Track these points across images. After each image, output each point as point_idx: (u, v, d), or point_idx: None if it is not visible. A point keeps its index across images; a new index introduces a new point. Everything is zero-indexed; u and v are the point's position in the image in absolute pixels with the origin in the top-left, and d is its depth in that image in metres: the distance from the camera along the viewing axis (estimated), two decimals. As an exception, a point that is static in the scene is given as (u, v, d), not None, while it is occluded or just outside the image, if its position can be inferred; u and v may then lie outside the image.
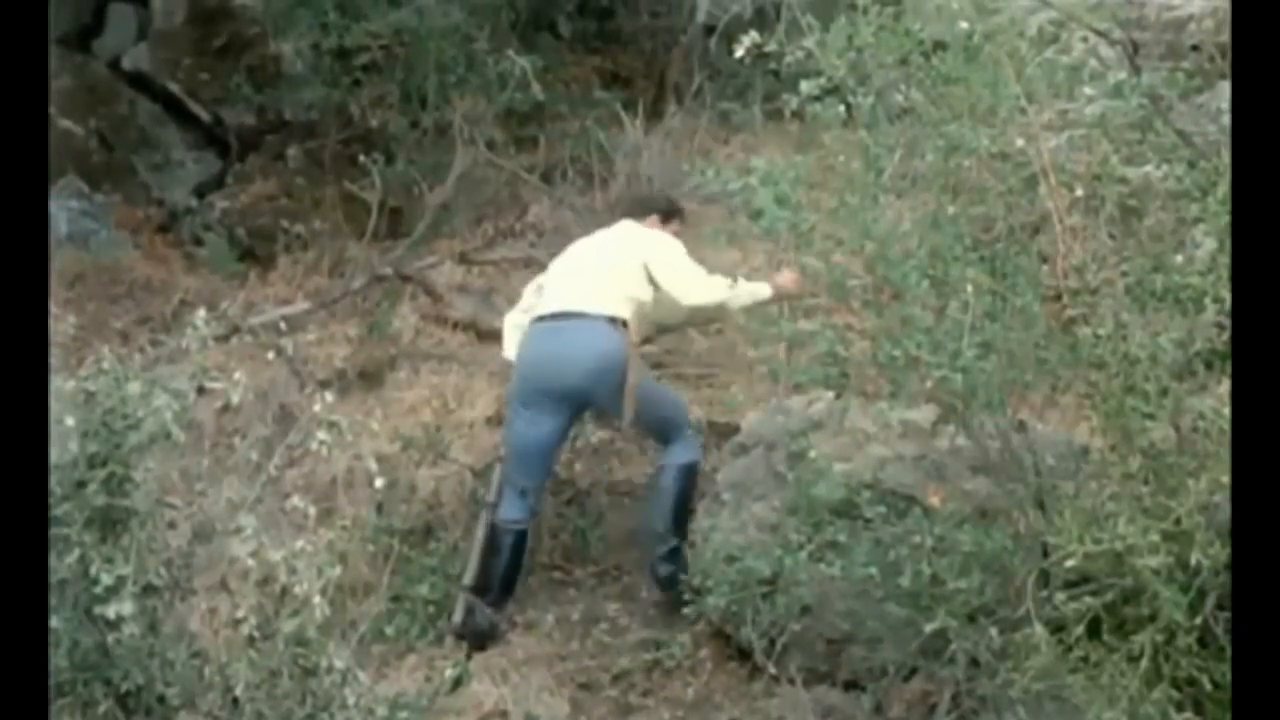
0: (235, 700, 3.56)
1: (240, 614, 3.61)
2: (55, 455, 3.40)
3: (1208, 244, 3.93)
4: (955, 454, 4.45)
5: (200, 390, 3.72)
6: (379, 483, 5.31)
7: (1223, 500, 3.66)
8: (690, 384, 6.47)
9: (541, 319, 5.60)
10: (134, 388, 3.52)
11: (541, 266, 6.42)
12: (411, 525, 5.79)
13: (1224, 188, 3.85)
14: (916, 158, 4.41)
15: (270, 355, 6.13)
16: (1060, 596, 3.72)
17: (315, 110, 8.32)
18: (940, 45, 4.32)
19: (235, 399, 3.81)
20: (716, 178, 4.67)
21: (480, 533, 5.55)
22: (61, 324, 4.85)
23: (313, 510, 3.82)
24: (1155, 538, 3.56)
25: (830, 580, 4.40)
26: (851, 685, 4.83)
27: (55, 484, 3.41)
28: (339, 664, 3.62)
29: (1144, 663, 3.65)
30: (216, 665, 3.60)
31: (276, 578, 3.59)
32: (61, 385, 3.49)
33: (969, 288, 3.97)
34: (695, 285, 5.58)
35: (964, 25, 4.25)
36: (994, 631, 3.93)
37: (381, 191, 7.62)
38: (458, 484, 5.92)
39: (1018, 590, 3.85)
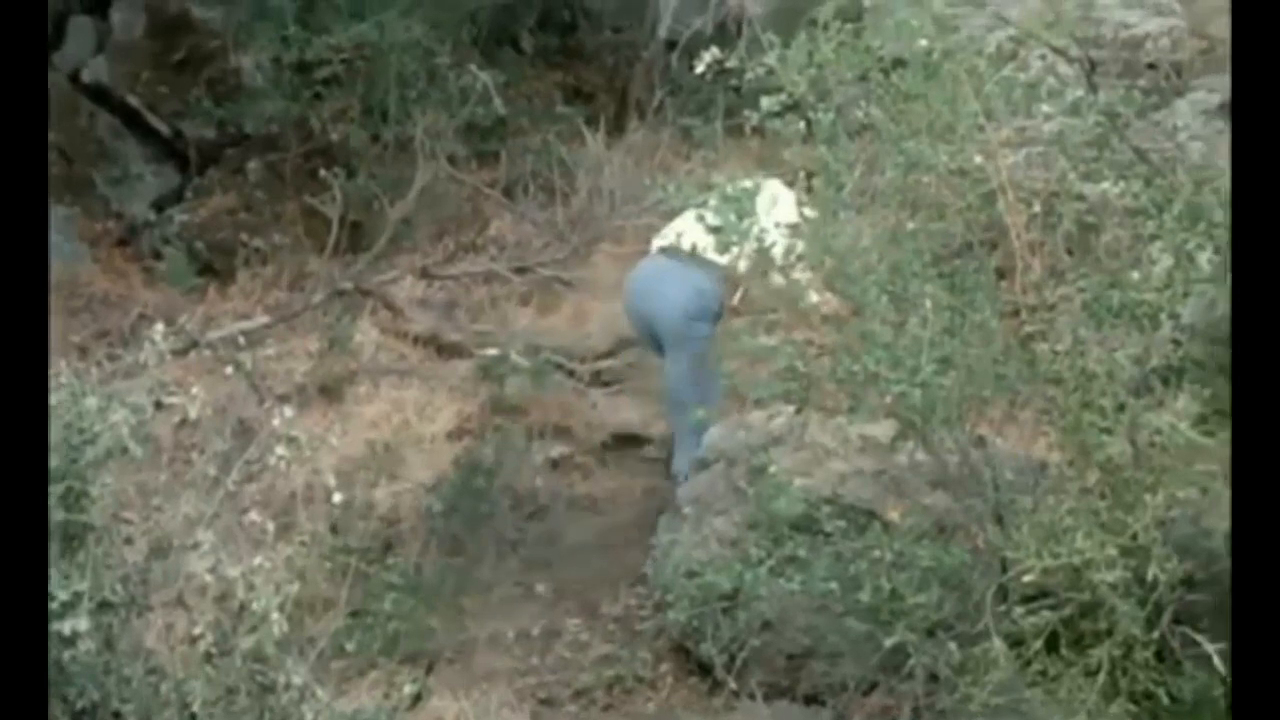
0: (193, 717, 3.53)
1: (197, 630, 3.57)
2: (12, 470, 3.37)
3: (1164, 260, 3.96)
4: (914, 469, 4.46)
5: (158, 405, 3.69)
6: (338, 498, 5.29)
7: (1179, 515, 3.69)
8: (652, 399, 6.48)
9: None
10: (91, 402, 3.50)
11: (503, 281, 6.43)
12: (370, 541, 5.77)
13: (1179, 204, 3.89)
14: (876, 174, 4.43)
15: (229, 370, 6.11)
16: (1019, 611, 3.73)
17: (275, 124, 8.30)
18: (900, 62, 4.34)
19: (193, 414, 3.78)
20: (678, 193, 4.67)
21: None
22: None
23: (271, 526, 3.79)
24: (1112, 552, 3.58)
25: (790, 595, 4.40)
26: (812, 700, 4.83)
27: (11, 498, 3.37)
28: (297, 680, 3.59)
29: (1101, 676, 3.67)
30: (173, 682, 3.57)
31: (234, 594, 3.56)
32: (19, 399, 3.46)
33: (928, 303, 3.99)
34: None
35: (923, 43, 4.27)
36: (953, 646, 3.94)
37: (342, 206, 7.60)
38: (417, 499, 5.90)
39: (976, 605, 3.86)
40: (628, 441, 6.43)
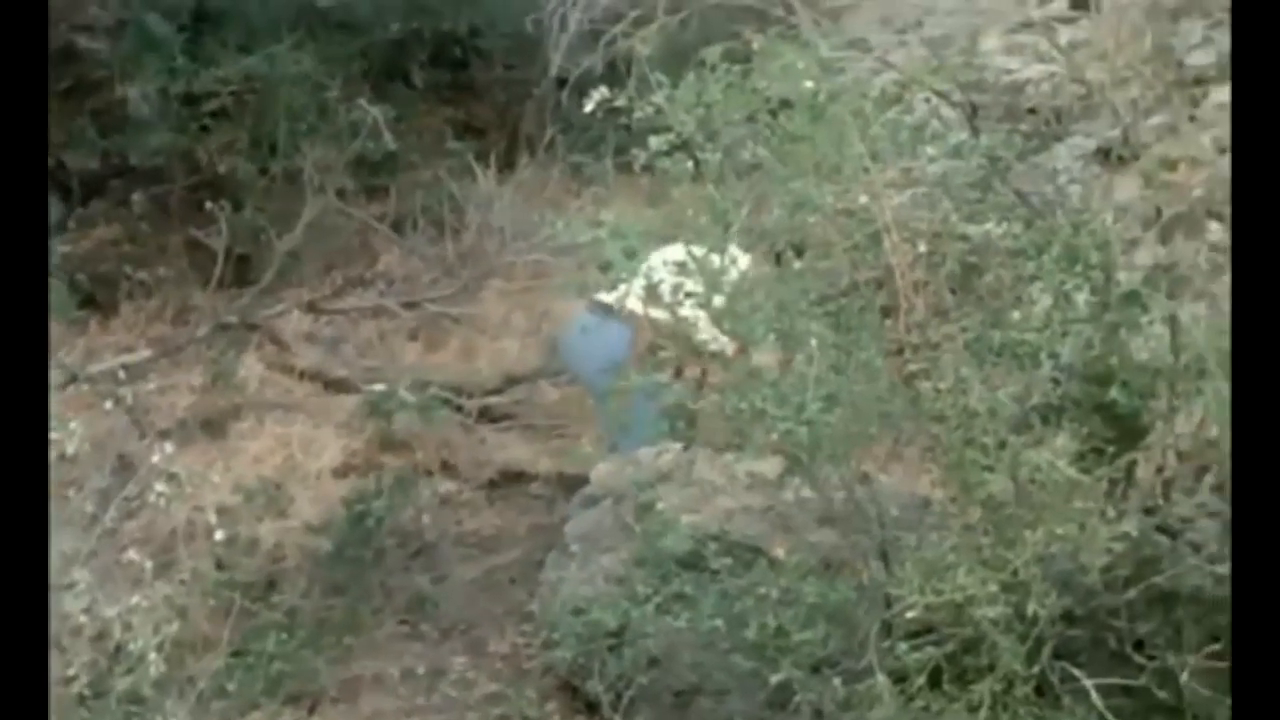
0: (66, 761, 3.45)
1: (72, 671, 3.50)
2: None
3: (1043, 301, 4.03)
4: (801, 506, 4.49)
5: (35, 440, 3.61)
6: (220, 535, 5.21)
7: (1058, 551, 3.74)
8: (540, 435, 6.47)
9: None
10: (-35, 437, 3.41)
11: (391, 316, 6.39)
12: (254, 578, 5.68)
13: (1058, 246, 3.97)
14: (763, 213, 4.47)
15: (109, 404, 5.99)
16: (902, 647, 3.76)
17: (161, 155, 8.19)
18: (786, 104, 4.39)
19: (71, 449, 3.72)
20: (567, 230, 4.68)
21: None
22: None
23: (150, 564, 3.73)
24: (994, 588, 3.62)
25: (677, 632, 4.40)
26: (699, 737, 4.83)
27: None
28: (176, 722, 3.53)
29: (983, 712, 3.71)
30: (47, 725, 3.48)
31: (111, 634, 3.50)
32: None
33: (813, 342, 4.02)
34: None
35: (809, 85, 4.32)
36: (838, 682, 3.96)
37: (228, 238, 7.51)
38: (302, 536, 5.83)
39: (861, 641, 3.89)
40: (515, 478, 6.41)
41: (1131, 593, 3.78)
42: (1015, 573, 3.65)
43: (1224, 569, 3.65)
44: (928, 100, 5.77)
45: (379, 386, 6.72)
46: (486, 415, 6.80)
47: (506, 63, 9.15)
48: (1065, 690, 3.74)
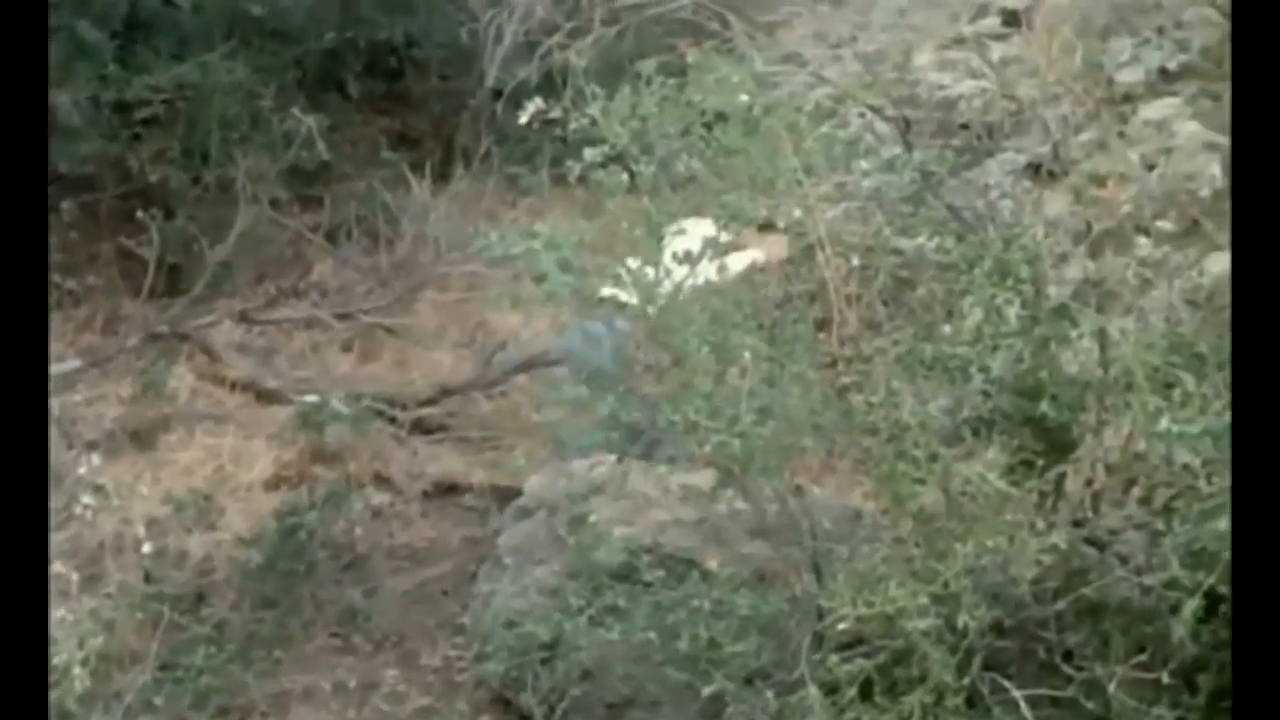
0: (-12, 777, 3.39)
1: (-6, 686, 3.44)
2: None
3: (974, 315, 4.06)
4: (734, 518, 4.50)
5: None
6: (148, 548, 5.15)
7: (988, 563, 3.77)
8: (474, 447, 6.45)
9: None
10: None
11: (325, 326, 6.34)
12: (183, 591, 5.62)
13: (989, 261, 4.00)
14: (698, 226, 4.48)
15: (36, 415, 5.90)
16: (834, 659, 3.76)
17: (92, 163, 8.10)
18: (721, 117, 4.40)
19: (-5, 460, 3.65)
20: (501, 241, 4.67)
21: None
22: None
23: (76, 577, 3.68)
24: (924, 600, 3.64)
25: (610, 645, 4.39)
26: (632, 749, 4.82)
27: None
28: (101, 736, 3.48)
29: (914, 723, 3.72)
30: (-32, 741, 3.43)
31: (35, 647, 3.44)
32: None
33: (746, 355, 4.03)
34: None
35: (744, 99, 4.34)
36: (770, 694, 3.96)
37: (159, 248, 7.44)
38: (232, 549, 5.77)
39: (793, 653, 3.89)
40: (448, 490, 6.39)
41: (1060, 604, 3.81)
42: (946, 585, 3.66)
43: (1151, 580, 3.69)
44: (862, 115, 5.83)
45: (311, 398, 6.68)
46: (420, 427, 6.77)
47: (442, 73, 9.13)
48: (995, 701, 3.76)
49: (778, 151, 4.33)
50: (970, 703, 3.77)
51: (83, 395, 6.74)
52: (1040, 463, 3.89)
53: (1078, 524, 3.94)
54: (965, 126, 6.49)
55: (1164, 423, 3.63)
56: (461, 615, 5.50)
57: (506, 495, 5.82)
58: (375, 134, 8.91)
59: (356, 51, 8.93)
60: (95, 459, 3.71)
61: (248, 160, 7.84)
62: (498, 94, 8.51)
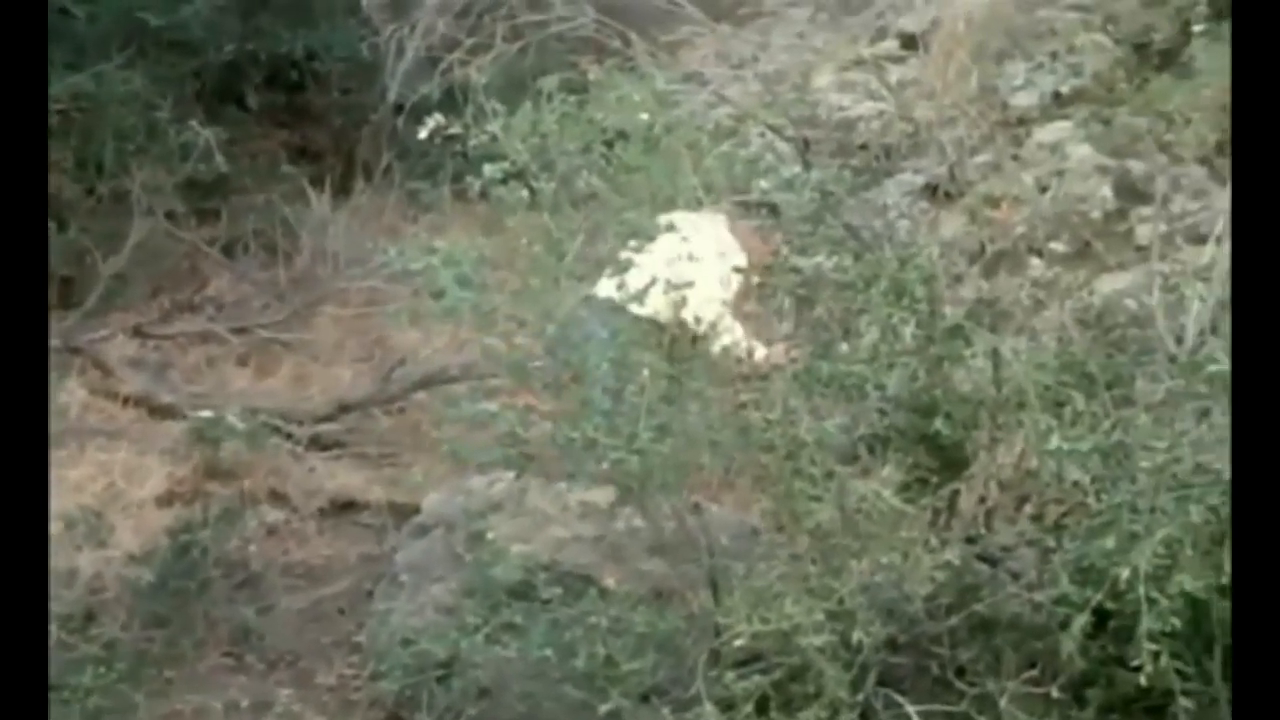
0: None
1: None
2: None
3: (871, 333, 4.10)
4: (632, 535, 4.50)
5: None
6: (36, 565, 5.03)
7: (883, 580, 3.80)
8: (372, 463, 6.39)
9: None
10: None
11: (220, 341, 6.27)
12: (72, 610, 5.51)
13: (885, 280, 4.04)
14: (598, 243, 4.49)
15: (-79, 429, 5.78)
16: (730, 675, 3.78)
17: (-18, 173, 7.94)
18: (622, 135, 4.43)
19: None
20: (401, 257, 4.64)
21: None
22: None
23: (-41, 595, 3.59)
24: (820, 617, 3.66)
25: (507, 662, 4.37)
26: (528, 767, 4.80)
27: None
28: (-17, 760, 3.40)
29: (809, 739, 3.74)
30: None
31: (-84, 667, 3.35)
32: None
33: (645, 371, 4.04)
34: None
35: (645, 117, 4.37)
36: (666, 711, 3.96)
37: (52, 260, 7.30)
38: (123, 567, 5.68)
39: (690, 670, 3.90)
40: (345, 507, 6.33)
41: (953, 620, 3.85)
42: (841, 601, 3.70)
43: (1041, 596, 3.75)
44: (762, 134, 5.88)
45: (206, 413, 6.59)
46: (317, 443, 6.71)
47: (343, 87, 9.06)
48: (889, 717, 3.79)
49: (678, 169, 4.36)
50: (864, 718, 3.80)
51: (-30, 409, 6.60)
52: (934, 480, 3.94)
53: (971, 541, 3.99)
54: (864, 147, 6.57)
55: (1055, 440, 3.70)
56: (357, 633, 5.45)
57: (404, 512, 5.78)
58: (275, 147, 8.83)
59: (256, 64, 8.84)
60: (-20, 475, 3.62)
61: (143, 172, 7.74)
62: (399, 109, 8.47)
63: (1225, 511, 3.56)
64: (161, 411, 6.81)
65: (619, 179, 4.41)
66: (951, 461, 4.00)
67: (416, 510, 5.59)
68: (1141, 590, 3.38)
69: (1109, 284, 5.29)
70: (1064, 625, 3.56)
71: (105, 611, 5.58)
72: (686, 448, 4.11)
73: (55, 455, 6.29)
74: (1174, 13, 6.78)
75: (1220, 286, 4.40)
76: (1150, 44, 6.81)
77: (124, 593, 5.61)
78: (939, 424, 3.96)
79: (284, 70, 8.99)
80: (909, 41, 7.17)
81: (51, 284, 7.32)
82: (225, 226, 8.07)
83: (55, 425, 6.48)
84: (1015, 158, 6.28)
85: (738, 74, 6.81)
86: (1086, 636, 3.55)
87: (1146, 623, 3.36)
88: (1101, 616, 3.56)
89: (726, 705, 3.78)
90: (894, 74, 6.91)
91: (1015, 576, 3.92)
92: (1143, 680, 3.39)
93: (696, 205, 4.34)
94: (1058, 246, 5.77)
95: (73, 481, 6.17)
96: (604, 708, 4.00)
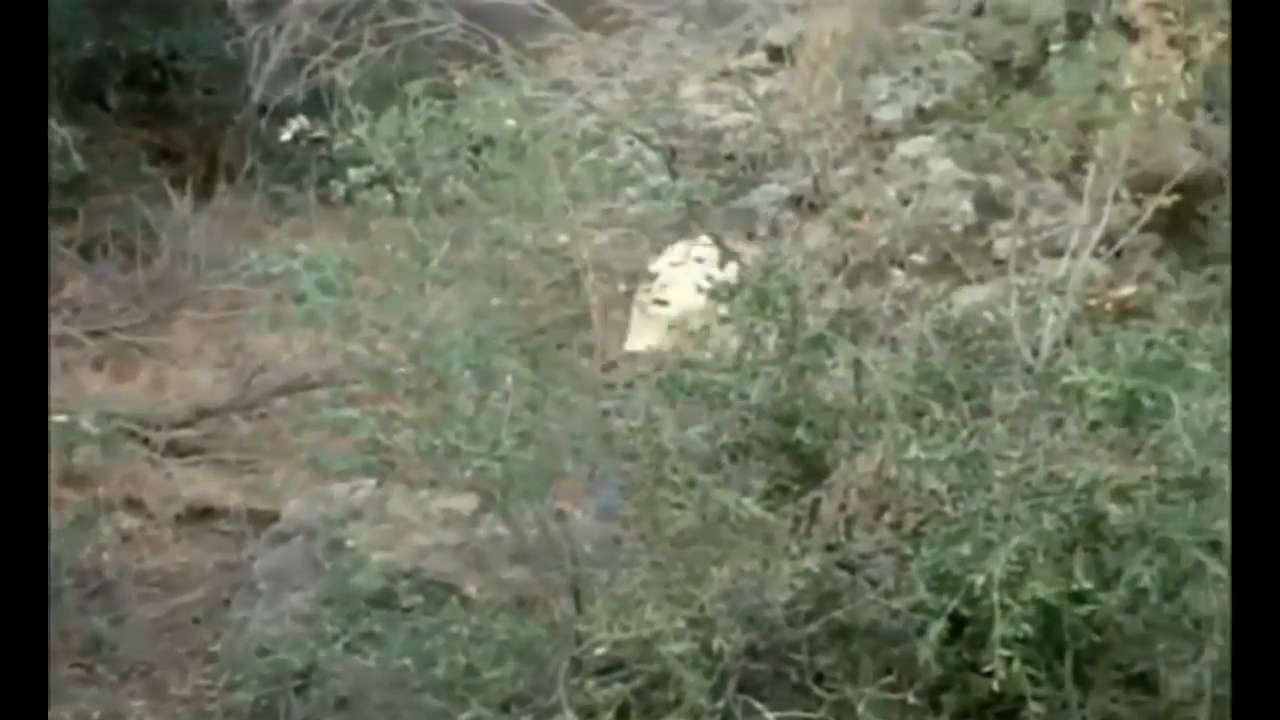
0: None
1: None
2: None
3: (733, 343, 4.13)
4: (495, 542, 4.48)
5: None
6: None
7: (744, 587, 3.83)
8: (230, 470, 6.30)
9: None
10: None
11: (76, 344, 6.13)
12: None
13: (749, 290, 4.07)
14: (464, 249, 4.46)
15: None
16: (591, 683, 3.78)
17: None
18: (489, 141, 4.40)
19: None
20: (263, 260, 4.58)
21: None
22: None
23: None
24: (680, 624, 3.67)
25: (366, 672, 4.32)
26: (386, 778, 4.75)
27: None
28: None
29: (670, 747, 3.75)
30: None
31: None
32: None
33: (509, 378, 4.03)
34: None
35: (512, 123, 4.35)
36: (527, 720, 3.96)
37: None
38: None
39: (551, 678, 3.89)
40: (203, 514, 6.23)
41: (813, 627, 3.89)
42: (702, 608, 3.71)
43: (899, 603, 3.80)
44: (630, 143, 5.89)
45: (60, 418, 6.42)
46: (174, 449, 6.59)
47: (207, 87, 8.92)
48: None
49: (545, 177, 4.35)
50: (725, 724, 3.82)
51: None
52: (796, 488, 3.98)
53: (831, 548, 4.02)
54: (730, 158, 6.61)
55: (913, 449, 3.75)
56: (213, 643, 5.37)
57: (263, 519, 5.71)
58: (135, 147, 8.67)
59: (117, 62, 8.67)
60: None
61: (-3, 170, 7.53)
62: (263, 110, 8.34)
63: (1077, 519, 3.65)
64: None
65: (485, 185, 4.39)
66: (813, 470, 4.04)
67: (276, 517, 5.52)
68: (995, 597, 3.44)
69: (968, 296, 5.36)
70: (920, 632, 3.61)
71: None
72: (550, 455, 4.10)
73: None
74: (1033, 31, 6.93)
75: (1074, 299, 4.50)
76: (1010, 61, 6.96)
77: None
78: (801, 433, 4.00)
79: (146, 69, 8.83)
80: (776, 54, 7.23)
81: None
82: (83, 227, 7.90)
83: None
84: (878, 171, 6.36)
85: (606, 82, 6.81)
86: (942, 643, 3.60)
87: (999, 629, 3.42)
88: (957, 623, 3.61)
89: (588, 713, 3.78)
90: (761, 86, 6.96)
91: (874, 584, 3.97)
92: (995, 686, 3.44)
93: (564, 213, 4.33)
94: (918, 259, 5.85)
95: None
96: (464, 717, 3.98)
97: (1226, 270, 5.67)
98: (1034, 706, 3.48)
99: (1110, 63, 4.97)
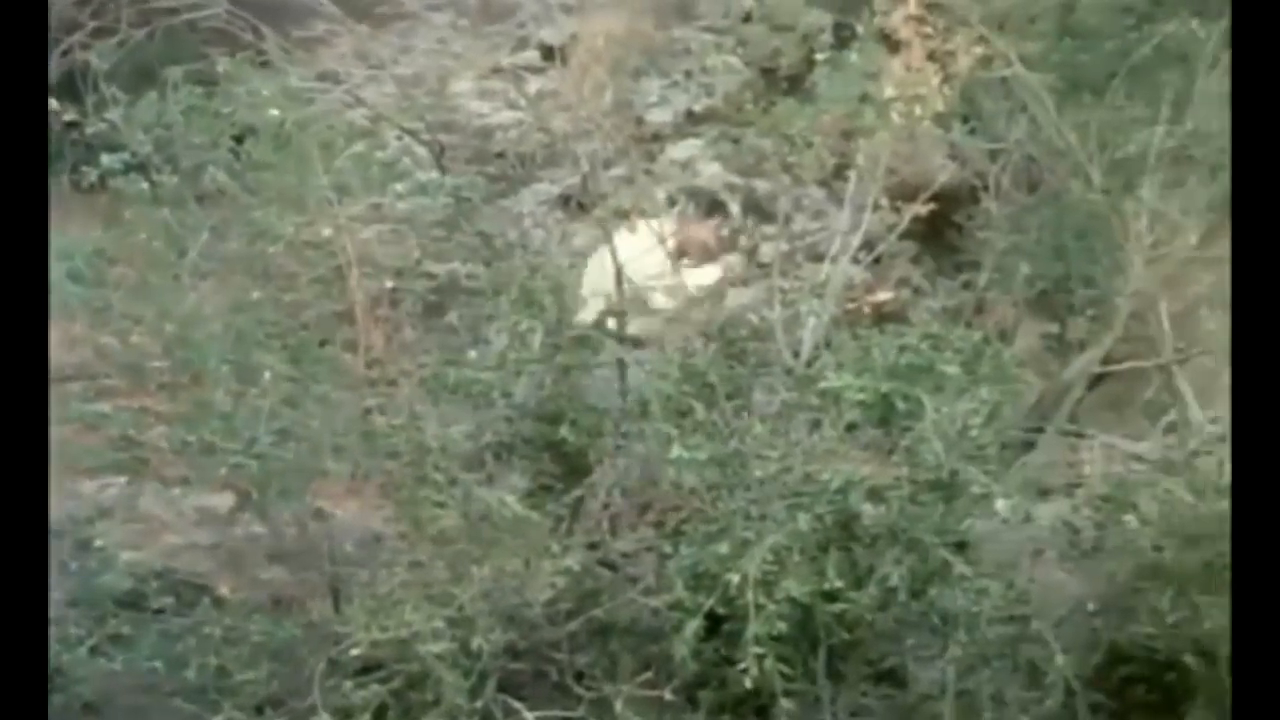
0: None
1: None
2: None
3: (499, 341, 4.12)
4: (252, 542, 4.39)
5: None
6: None
7: (505, 587, 3.82)
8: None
9: None
10: None
11: None
12: None
13: (516, 288, 4.07)
14: (224, 241, 4.36)
15: None
16: (348, 685, 3.72)
17: None
18: (252, 130, 4.30)
19: None
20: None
21: None
22: None
23: None
24: (440, 624, 3.64)
25: (113, 675, 4.18)
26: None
27: None
28: None
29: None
30: None
31: None
32: None
33: (268, 374, 3.94)
34: None
35: (276, 113, 4.25)
36: (281, 722, 3.88)
37: None
38: None
39: (307, 679, 3.81)
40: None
41: (573, 625, 3.90)
42: (461, 608, 3.69)
43: (657, 601, 3.84)
44: (399, 138, 5.83)
45: None
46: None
47: (-49, 65, 8.51)
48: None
49: (310, 169, 4.26)
50: (485, 725, 3.81)
51: None
52: (559, 487, 3.99)
53: (593, 546, 4.05)
54: (501, 155, 6.61)
55: (676, 449, 3.79)
56: (-49, 647, 5.11)
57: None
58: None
59: None
60: None
61: None
62: (15, 91, 8.02)
63: (831, 519, 3.74)
64: None
65: (247, 176, 4.29)
66: (576, 469, 4.06)
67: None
68: (751, 595, 3.50)
69: (734, 298, 5.46)
70: (677, 629, 3.65)
71: None
72: (310, 453, 4.03)
73: None
74: (800, 39, 7.09)
75: (834, 303, 4.61)
76: (777, 69, 7.11)
77: None
78: (565, 431, 4.02)
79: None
80: (549, 53, 7.25)
81: None
82: None
83: None
84: (648, 172, 6.43)
85: (375, 75, 6.72)
86: (699, 640, 3.65)
87: (754, 627, 3.48)
88: (714, 621, 3.67)
89: (344, 715, 3.73)
90: (533, 84, 6.98)
91: (634, 582, 4.00)
92: (749, 683, 3.50)
93: (329, 207, 4.26)
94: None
95: None
96: (215, 720, 3.88)
97: (978, 277, 5.88)
98: (785, 703, 3.55)
99: (872, 73, 5.11)
